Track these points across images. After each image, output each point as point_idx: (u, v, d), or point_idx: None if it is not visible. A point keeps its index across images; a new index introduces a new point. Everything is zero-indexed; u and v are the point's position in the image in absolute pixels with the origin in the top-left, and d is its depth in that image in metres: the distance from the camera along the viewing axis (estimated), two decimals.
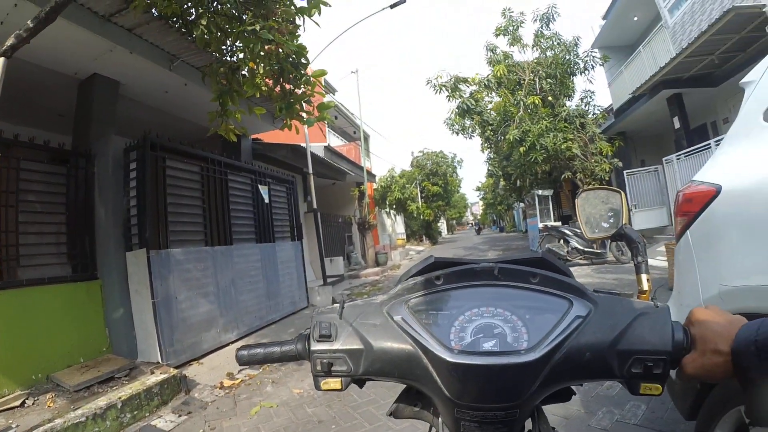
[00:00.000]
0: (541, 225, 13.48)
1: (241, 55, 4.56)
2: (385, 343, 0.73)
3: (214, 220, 6.72)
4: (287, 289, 8.48)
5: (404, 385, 0.83)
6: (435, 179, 30.62)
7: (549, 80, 13.97)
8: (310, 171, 10.98)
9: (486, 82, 13.77)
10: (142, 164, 5.42)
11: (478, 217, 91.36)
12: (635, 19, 16.20)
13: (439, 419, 0.79)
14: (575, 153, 12.95)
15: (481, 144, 17.62)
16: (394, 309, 0.76)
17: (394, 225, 30.01)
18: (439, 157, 31.72)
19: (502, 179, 18.79)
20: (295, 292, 8.83)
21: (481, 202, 68.82)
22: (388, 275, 14.69)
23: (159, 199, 5.62)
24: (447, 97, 13.78)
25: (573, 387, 0.78)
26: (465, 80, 14.18)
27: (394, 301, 0.78)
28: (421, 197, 31.12)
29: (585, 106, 14.65)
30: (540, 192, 16.72)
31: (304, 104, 4.69)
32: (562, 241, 11.54)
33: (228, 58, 4.86)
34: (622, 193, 1.29)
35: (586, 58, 14.16)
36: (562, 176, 14.32)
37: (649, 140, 17.64)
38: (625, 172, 13.96)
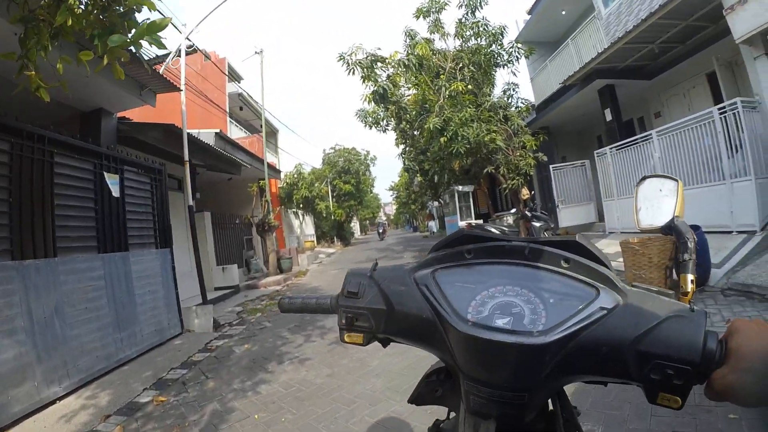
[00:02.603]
0: (463, 223, 12.00)
1: None
2: (406, 307, 0.78)
3: (26, 221, 4.60)
4: (149, 313, 6.34)
5: (424, 373, 0.88)
6: (347, 177, 29.00)
7: (472, 68, 12.69)
8: (186, 157, 8.77)
9: (406, 62, 12.15)
10: None
11: (391, 217, 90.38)
12: (563, 13, 15.42)
13: (462, 405, 0.75)
14: (499, 146, 11.79)
15: (396, 138, 16.13)
16: (420, 276, 0.80)
17: (303, 226, 27.91)
18: (351, 154, 30.11)
19: (418, 174, 17.31)
20: (163, 317, 6.70)
21: (394, 202, 67.54)
22: (292, 284, 12.85)
23: None
24: (361, 78, 12.02)
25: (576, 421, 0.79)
26: (383, 60, 12.51)
27: (423, 269, 0.81)
28: (332, 196, 29.41)
29: (508, 98, 13.66)
30: (460, 188, 15.42)
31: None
32: None
33: None
34: (680, 181, 1.22)
35: (511, 50, 13.19)
36: (484, 171, 13.13)
37: (571, 137, 17.01)
38: (551, 167, 13.04)
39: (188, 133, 9.12)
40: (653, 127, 10.06)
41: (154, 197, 7.09)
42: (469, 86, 12.33)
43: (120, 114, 8.34)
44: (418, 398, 0.89)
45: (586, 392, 3.13)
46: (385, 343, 0.86)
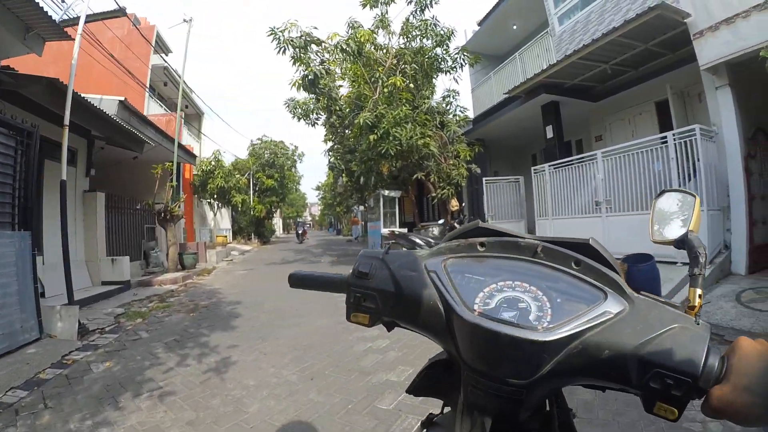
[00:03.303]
0: (386, 231, 10.95)
1: None
2: (414, 292, 0.78)
3: None
4: None
5: (424, 364, 0.88)
6: (270, 171, 27.37)
7: (414, 65, 11.76)
8: (66, 120, 7.09)
9: (344, 46, 10.97)
10: None
11: (316, 218, 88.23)
12: (514, 27, 15.04)
13: (460, 399, 0.76)
14: (432, 151, 10.96)
15: (325, 134, 14.95)
16: (432, 264, 0.81)
17: (218, 219, 26.04)
18: (278, 148, 28.52)
19: (343, 174, 16.03)
20: (14, 317, 5.22)
21: (319, 203, 65.17)
22: (191, 284, 11.22)
23: None
24: (292, 59, 10.76)
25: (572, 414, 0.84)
26: (318, 42, 11.32)
27: (435, 257, 0.83)
28: (254, 190, 27.73)
29: (447, 105, 12.88)
30: (386, 193, 14.34)
31: None
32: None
33: None
34: (697, 197, 1.09)
35: (456, 56, 12.44)
36: (413, 176, 12.23)
37: (506, 152, 16.60)
38: (484, 179, 12.36)
39: (78, 95, 7.52)
40: (592, 150, 9.69)
41: (19, 166, 5.65)
42: (410, 85, 11.35)
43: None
44: (415, 389, 0.90)
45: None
46: (389, 327, 0.86)
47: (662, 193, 1.21)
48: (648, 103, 10.41)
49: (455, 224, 9.26)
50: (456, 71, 12.59)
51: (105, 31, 16.37)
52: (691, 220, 1.06)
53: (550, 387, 0.70)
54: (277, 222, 55.65)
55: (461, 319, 0.69)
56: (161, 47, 22.63)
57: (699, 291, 0.84)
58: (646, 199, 7.52)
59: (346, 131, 13.01)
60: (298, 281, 1.01)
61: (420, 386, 0.89)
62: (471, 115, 14.85)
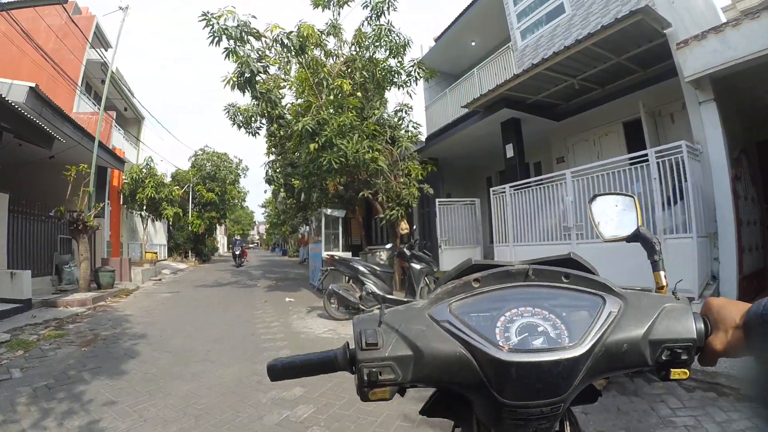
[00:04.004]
0: (325, 254, 9.71)
1: None
2: (434, 348, 0.74)
3: None
4: None
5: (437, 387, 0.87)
6: (212, 185, 25.68)
7: (365, 73, 10.70)
8: None
9: (285, 40, 9.63)
10: None
11: (263, 237, 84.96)
12: (473, 44, 14.35)
13: (474, 419, 0.82)
14: (381, 167, 9.82)
15: (267, 146, 13.67)
16: (437, 313, 0.78)
17: (150, 233, 23.99)
18: (221, 160, 26.90)
19: (282, 190, 14.63)
20: None
21: (266, 221, 62.72)
22: (102, 307, 9.67)
23: None
24: (225, 52, 9.34)
25: (599, 389, 0.89)
26: (258, 35, 9.89)
27: (437, 305, 0.80)
28: (194, 203, 26.01)
29: (399, 120, 11.84)
30: (329, 212, 12.93)
31: None
32: (352, 281, 8.16)
33: None
34: (635, 197, 1.31)
35: (411, 69, 11.43)
36: (359, 194, 11.06)
37: (460, 174, 15.74)
38: (437, 200, 11.33)
39: None
40: (552, 171, 8.98)
41: None
42: (358, 93, 10.27)
43: None
44: (429, 410, 0.91)
45: None
46: (403, 393, 0.81)
47: (595, 197, 1.38)
48: (615, 123, 9.84)
49: (404, 249, 8.20)
50: (410, 84, 11.60)
51: (40, 19, 15.35)
52: (637, 218, 1.23)
53: (581, 388, 0.73)
54: (221, 240, 53.42)
55: (496, 360, 0.69)
56: (100, 41, 20.94)
57: (663, 273, 1.08)
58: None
59: (288, 143, 11.71)
60: (281, 373, 0.85)
61: (432, 408, 0.90)
62: (424, 133, 13.84)
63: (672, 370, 0.74)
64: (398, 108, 11.87)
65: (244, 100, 10.45)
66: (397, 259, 9.82)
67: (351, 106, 9.52)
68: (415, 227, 10.35)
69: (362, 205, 16.43)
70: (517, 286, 0.81)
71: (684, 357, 0.73)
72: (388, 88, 11.58)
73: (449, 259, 10.87)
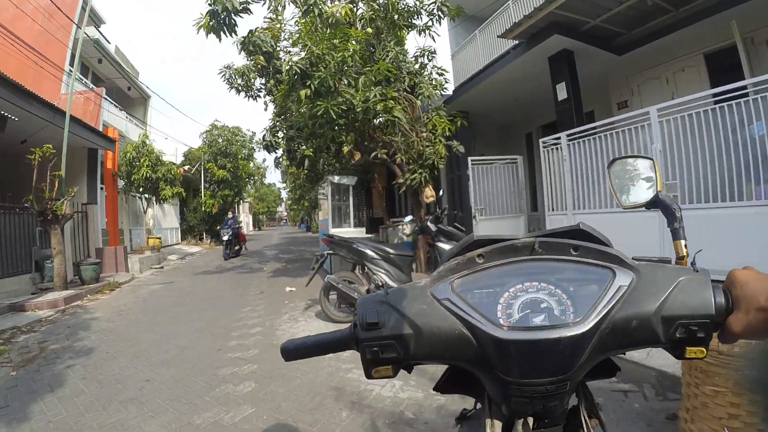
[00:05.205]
0: (325, 234, 7.63)
1: None
2: (434, 326, 0.73)
3: None
4: None
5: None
6: (223, 161, 23.91)
7: (374, 4, 8.64)
8: None
9: None
10: None
11: (290, 213, 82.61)
12: None
13: (485, 395, 0.80)
14: (397, 118, 7.68)
15: (273, 111, 11.69)
16: (439, 291, 0.76)
17: (158, 217, 22.43)
18: (233, 134, 25.08)
19: (284, 159, 12.54)
20: None
21: (286, 196, 59.96)
22: (75, 308, 8.32)
23: None
24: None
25: (617, 363, 0.86)
26: None
27: (439, 282, 0.78)
28: (206, 183, 24.41)
29: (422, 68, 9.52)
30: (336, 179, 10.87)
31: None
32: (358, 268, 6.13)
33: None
34: (655, 159, 1.28)
35: (433, 5, 9.09)
36: (371, 155, 8.94)
37: (493, 130, 13.52)
38: (470, 160, 9.07)
39: None
40: (605, 125, 6.69)
41: None
42: (368, 29, 8.15)
43: None
44: (443, 386, 0.91)
45: None
46: (410, 369, 0.80)
47: (614, 161, 1.33)
48: (694, 55, 7.87)
49: (428, 223, 6.12)
50: (432, 25, 9.35)
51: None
52: (656, 182, 1.16)
53: (589, 367, 0.71)
54: (246, 219, 52.13)
55: (495, 339, 0.67)
56: (92, 17, 19.25)
57: (684, 242, 1.02)
58: (739, 182, 4.72)
59: (292, 106, 9.73)
60: (293, 353, 0.87)
61: (446, 385, 0.90)
62: (451, 83, 11.64)
63: (687, 348, 0.69)
64: (419, 53, 9.64)
65: (241, 60, 8.66)
66: (421, 236, 7.83)
67: (356, 39, 7.40)
68: (442, 193, 8.14)
69: (383, 173, 14.40)
70: (523, 260, 0.77)
71: (700, 335, 0.67)
72: (406, 30, 9.44)
73: (487, 232, 8.65)
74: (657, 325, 0.68)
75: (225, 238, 17.08)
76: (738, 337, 0.68)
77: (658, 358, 3.78)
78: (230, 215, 18.69)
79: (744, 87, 4.66)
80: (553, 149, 7.24)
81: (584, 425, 0.78)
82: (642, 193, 1.17)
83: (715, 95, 5.02)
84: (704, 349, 0.68)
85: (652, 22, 7.84)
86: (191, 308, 7.60)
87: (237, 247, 17.60)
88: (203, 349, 5.09)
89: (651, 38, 8.08)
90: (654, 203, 1.12)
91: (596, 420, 0.82)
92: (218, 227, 21.45)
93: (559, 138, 7.02)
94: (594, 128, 6.55)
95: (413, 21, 9.19)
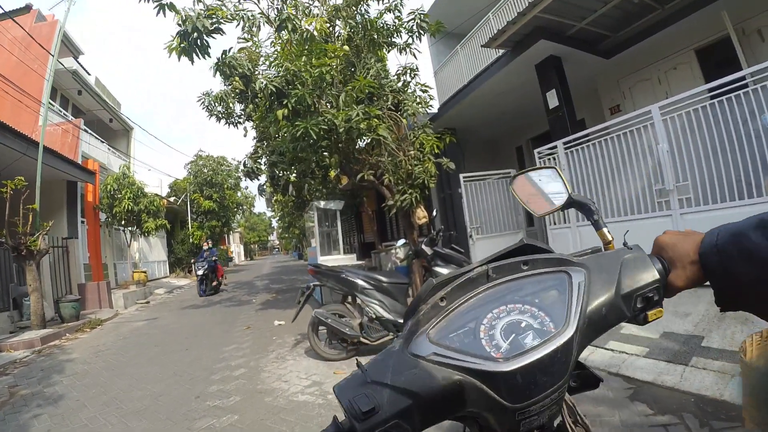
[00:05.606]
0: (311, 264, 7.13)
1: None
2: (432, 386, 0.67)
3: None
4: None
5: None
6: (209, 191, 23.49)
7: (351, 21, 8.20)
8: None
9: None
10: None
11: (281, 242, 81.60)
12: None
13: (476, 421, 0.76)
14: (383, 137, 7.29)
15: (245, 126, 11.27)
16: (419, 348, 0.71)
17: (144, 250, 21.88)
18: (218, 163, 24.71)
19: (268, 185, 12.09)
20: None
21: (276, 225, 59.28)
22: (50, 348, 7.97)
23: None
24: (156, 5, 6.82)
25: (599, 375, 0.85)
26: None
27: (414, 339, 0.73)
28: (193, 214, 23.94)
29: (404, 86, 9.06)
30: (322, 204, 10.40)
31: None
32: (349, 300, 5.58)
33: None
34: (556, 167, 1.24)
35: (412, 22, 8.69)
36: (357, 177, 8.51)
37: (481, 147, 13.25)
38: (462, 176, 8.85)
39: None
40: (599, 131, 6.40)
41: None
42: (345, 46, 7.78)
43: None
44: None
45: None
46: None
47: (514, 177, 1.32)
48: (685, 52, 7.72)
49: (423, 246, 5.61)
50: (413, 42, 8.96)
51: (9, 30, 13.90)
52: (565, 186, 1.18)
53: (576, 358, 0.72)
54: (236, 249, 51.48)
55: (497, 374, 0.65)
56: (69, 47, 19.02)
57: (605, 229, 1.06)
58: (756, 176, 4.44)
59: (256, 120, 9.34)
60: None
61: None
62: (436, 101, 11.26)
63: (648, 313, 0.75)
64: (401, 71, 9.16)
65: (219, 85, 8.32)
66: (417, 261, 7.38)
67: (334, 54, 7.01)
68: (435, 213, 7.71)
69: (372, 196, 14.01)
70: (483, 290, 0.76)
71: (656, 298, 0.75)
72: (387, 49, 9.06)
73: (484, 251, 8.33)
74: (621, 304, 0.73)
75: (200, 272, 14.97)
76: (680, 290, 0.76)
77: (693, 381, 3.39)
78: (205, 246, 16.19)
79: (743, 78, 4.50)
80: (548, 159, 6.89)
81: None
82: (554, 198, 1.20)
83: (711, 90, 4.80)
84: (661, 309, 0.76)
85: (638, 21, 7.65)
86: (173, 347, 7.12)
87: (214, 283, 15.47)
88: (180, 395, 4.59)
89: (639, 38, 7.90)
90: (569, 204, 1.16)
91: (582, 429, 0.85)
92: (192, 260, 20.37)
93: (554, 147, 6.67)
94: (590, 135, 6.30)
95: (393, 39, 8.84)
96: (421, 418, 0.66)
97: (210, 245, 16.05)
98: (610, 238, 1.03)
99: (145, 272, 17.69)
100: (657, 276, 0.75)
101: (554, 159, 6.70)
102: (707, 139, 4.78)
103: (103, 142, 19.91)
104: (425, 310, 0.75)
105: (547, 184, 1.23)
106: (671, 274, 0.76)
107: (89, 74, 20.12)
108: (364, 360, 0.75)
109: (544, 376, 0.66)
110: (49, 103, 14.51)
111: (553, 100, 7.82)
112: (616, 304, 0.73)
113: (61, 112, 17.50)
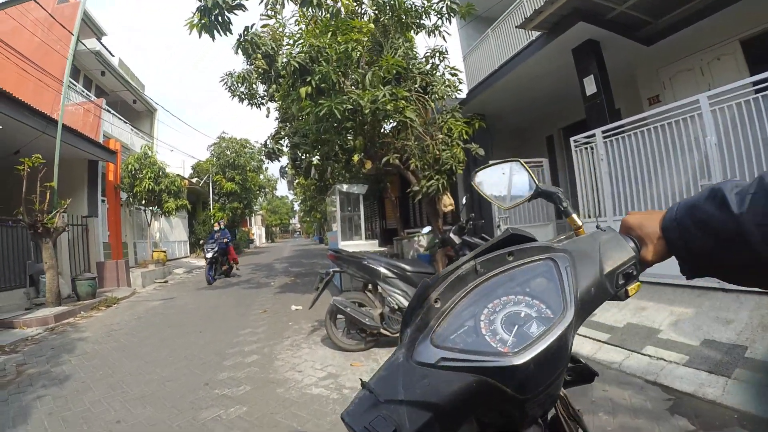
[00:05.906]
0: (331, 249, 6.86)
1: None
2: (446, 392, 0.64)
3: None
4: None
5: None
6: (231, 173, 23.47)
7: (381, 2, 7.95)
8: None
9: None
10: None
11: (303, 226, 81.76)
12: None
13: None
14: (409, 119, 7.02)
15: (267, 106, 11.06)
16: (423, 354, 0.68)
17: (165, 230, 22.11)
18: (241, 146, 24.67)
19: (289, 167, 11.95)
20: None
21: (298, 208, 59.29)
22: (65, 326, 7.90)
23: None
24: None
25: (595, 369, 0.91)
26: None
27: (418, 346, 0.70)
28: (215, 196, 23.98)
29: (433, 69, 8.78)
30: (345, 188, 10.18)
31: None
32: (369, 288, 5.33)
33: None
34: (520, 160, 1.28)
35: (441, 3, 8.40)
36: (383, 160, 8.21)
37: (510, 136, 12.96)
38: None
39: None
40: (644, 119, 5.96)
41: None
42: (370, 24, 7.48)
43: None
44: None
45: None
46: None
47: (475, 173, 1.38)
48: (729, 42, 7.35)
49: (451, 234, 5.29)
50: (442, 24, 8.63)
51: (31, 11, 13.83)
52: (531, 177, 1.22)
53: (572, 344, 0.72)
54: (258, 231, 51.69)
55: (510, 368, 0.63)
56: (92, 28, 18.97)
57: (575, 215, 1.11)
58: None
59: (279, 98, 9.15)
60: None
61: None
62: (465, 85, 10.92)
63: (628, 288, 0.79)
64: (430, 54, 8.91)
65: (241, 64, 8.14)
66: (441, 249, 7.10)
67: (360, 30, 6.72)
68: (465, 201, 7.38)
69: (396, 181, 13.75)
70: (475, 286, 0.75)
71: (634, 273, 0.79)
72: (415, 31, 8.78)
73: None
74: (606, 283, 0.76)
75: (209, 255, 13.26)
76: (651, 264, 0.81)
77: (737, 395, 3.10)
78: (217, 227, 14.51)
79: None
80: (584, 149, 6.53)
81: (566, 429, 0.84)
82: (520, 190, 1.22)
83: (755, 83, 4.43)
84: (639, 283, 0.80)
85: (681, 8, 7.31)
86: (186, 329, 6.99)
87: (225, 267, 14.35)
88: (188, 381, 4.42)
89: (681, 26, 7.54)
90: (537, 194, 1.18)
91: (576, 423, 0.87)
92: (201, 242, 19.77)
93: (592, 136, 6.30)
94: (627, 125, 5.90)
95: (422, 21, 8.55)
96: (442, 428, 0.63)
97: (221, 226, 14.45)
98: (580, 224, 1.09)
99: (164, 252, 17.77)
100: (633, 253, 0.80)
101: (592, 148, 6.33)
102: (759, 134, 4.42)
103: (126, 123, 20.01)
104: (422, 314, 0.73)
105: (513, 177, 1.26)
106: (643, 250, 0.80)
107: (113, 55, 20.13)
108: (383, 353, 0.80)
109: (552, 362, 0.66)
110: (71, 83, 14.54)
111: (590, 86, 7.47)
112: (602, 283, 0.75)
113: (83, 92, 17.49)
